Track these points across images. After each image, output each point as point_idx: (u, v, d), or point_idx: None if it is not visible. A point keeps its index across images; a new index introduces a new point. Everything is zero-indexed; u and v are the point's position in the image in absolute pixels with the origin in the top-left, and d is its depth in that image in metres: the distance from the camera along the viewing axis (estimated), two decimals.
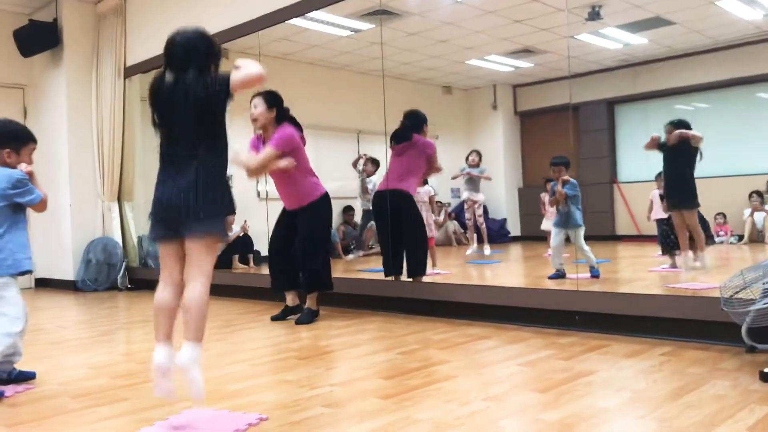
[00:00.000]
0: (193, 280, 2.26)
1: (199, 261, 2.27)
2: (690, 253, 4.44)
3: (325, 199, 4.37)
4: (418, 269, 4.78)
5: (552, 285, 4.89)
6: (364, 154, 7.16)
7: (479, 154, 6.90)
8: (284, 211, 4.44)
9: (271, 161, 4.04)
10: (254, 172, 4.12)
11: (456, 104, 10.01)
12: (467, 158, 6.92)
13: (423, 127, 4.94)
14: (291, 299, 4.55)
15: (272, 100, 4.23)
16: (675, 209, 4.47)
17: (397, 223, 4.88)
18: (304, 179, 4.30)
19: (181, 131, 2.32)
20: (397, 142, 4.93)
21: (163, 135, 2.39)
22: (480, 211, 6.88)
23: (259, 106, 4.19)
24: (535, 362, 3.01)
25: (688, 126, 4.39)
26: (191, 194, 2.24)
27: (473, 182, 6.91)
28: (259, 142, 4.33)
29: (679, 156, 4.34)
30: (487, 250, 6.90)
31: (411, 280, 4.79)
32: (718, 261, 5.59)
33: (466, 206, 7.02)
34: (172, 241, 2.34)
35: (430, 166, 4.99)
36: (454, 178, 7.48)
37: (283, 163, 4.05)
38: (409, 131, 4.90)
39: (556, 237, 5.25)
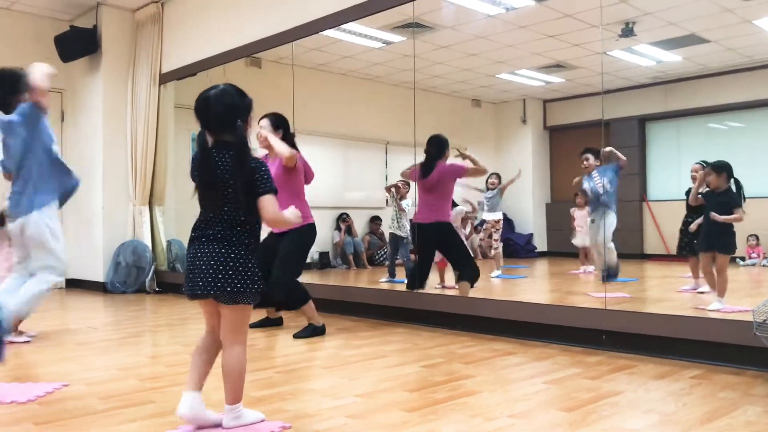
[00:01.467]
0: (230, 345, 2.26)
1: (234, 325, 2.27)
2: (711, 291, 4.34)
3: (310, 229, 4.32)
4: (476, 272, 4.86)
5: (581, 301, 4.84)
6: (396, 185, 7.12)
7: (499, 177, 6.87)
8: (270, 234, 4.40)
9: (283, 151, 4.09)
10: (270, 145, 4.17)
11: (485, 117, 9.99)
12: (487, 181, 6.89)
13: (445, 152, 4.99)
14: (271, 312, 4.65)
15: (278, 122, 4.29)
16: (709, 251, 4.36)
17: (442, 250, 5.11)
18: (297, 203, 4.26)
19: None
20: (425, 175, 4.96)
21: None
22: (497, 236, 6.83)
23: (265, 128, 4.23)
24: (561, 380, 2.98)
25: (728, 167, 4.28)
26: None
27: (492, 200, 6.88)
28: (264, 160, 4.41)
29: (722, 197, 4.26)
30: (497, 272, 6.85)
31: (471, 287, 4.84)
32: (751, 284, 5.49)
33: (484, 226, 6.98)
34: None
35: (475, 173, 5.02)
36: (474, 224, 7.55)
37: (282, 152, 4.10)
38: (434, 160, 4.93)
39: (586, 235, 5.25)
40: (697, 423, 2.33)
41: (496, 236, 6.79)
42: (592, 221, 5.54)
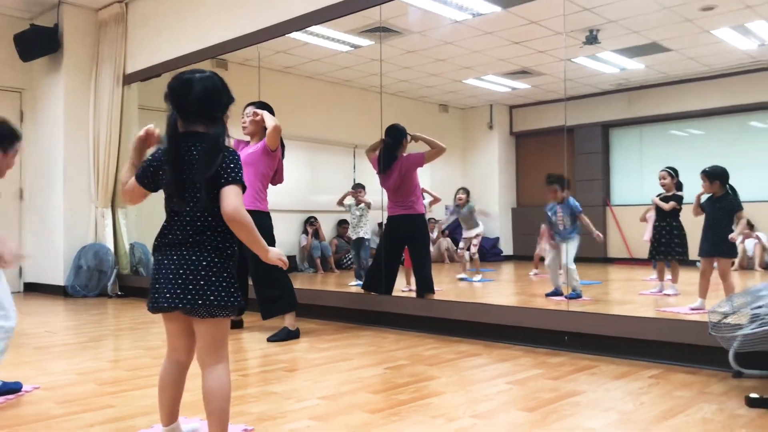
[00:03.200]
0: (211, 365, 1.95)
1: (212, 342, 1.97)
2: (703, 301, 4.40)
3: (265, 218, 4.24)
4: (430, 287, 4.89)
5: (544, 304, 4.90)
6: (352, 190, 7.15)
7: (467, 192, 6.89)
8: None
9: (270, 122, 4.14)
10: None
11: (452, 123, 10.06)
12: (455, 196, 6.91)
13: (403, 142, 5.01)
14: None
15: (263, 109, 4.34)
16: (709, 256, 4.41)
17: (409, 244, 5.06)
18: (255, 185, 4.23)
19: None
20: (385, 169, 4.97)
21: None
22: (476, 241, 6.89)
23: (251, 115, 4.31)
24: (523, 381, 3.01)
25: (722, 174, 4.34)
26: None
27: (466, 219, 6.91)
28: (240, 144, 4.43)
29: (721, 202, 4.33)
30: (478, 276, 6.91)
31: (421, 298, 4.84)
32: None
33: (463, 243, 7.03)
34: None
35: (434, 155, 4.98)
36: (442, 227, 7.51)
37: (270, 122, 4.13)
38: (393, 151, 4.95)
39: (549, 255, 5.30)
40: (654, 421, 2.38)
41: (475, 242, 6.85)
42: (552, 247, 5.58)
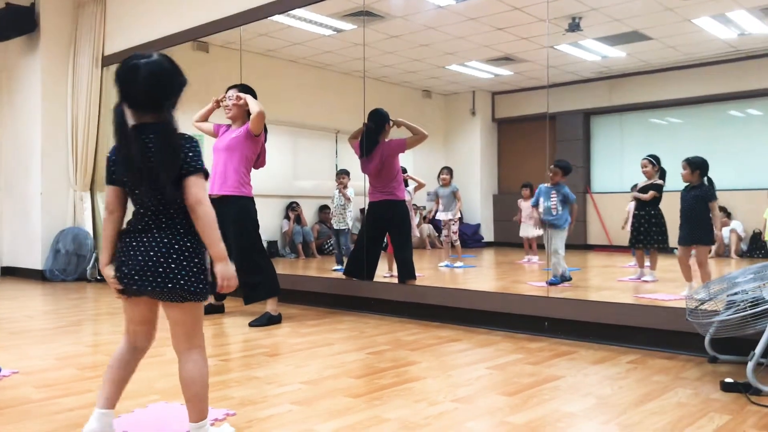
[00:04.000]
0: (186, 351, 1.91)
1: (186, 328, 1.91)
2: (694, 284, 4.46)
3: (249, 203, 4.26)
4: (412, 273, 4.88)
5: (525, 290, 4.95)
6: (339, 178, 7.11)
7: (450, 172, 6.86)
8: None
9: (254, 107, 4.14)
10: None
11: (435, 108, 10.06)
12: (438, 176, 6.91)
13: (386, 126, 4.99)
14: (211, 297, 4.55)
15: (246, 92, 4.31)
16: (686, 244, 4.47)
17: (390, 230, 5.03)
18: (240, 170, 4.22)
19: None
20: (367, 153, 4.95)
21: None
22: (455, 228, 6.89)
23: (233, 98, 4.29)
24: (503, 366, 3.04)
25: (703, 165, 4.40)
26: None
27: (446, 199, 6.90)
28: (221, 128, 4.42)
29: (696, 191, 4.38)
30: (459, 263, 6.93)
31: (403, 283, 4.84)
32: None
33: (442, 224, 7.02)
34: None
35: (415, 142, 4.98)
36: (429, 213, 7.50)
37: (254, 107, 4.13)
38: (375, 135, 4.94)
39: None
40: (631, 405, 2.42)
41: (454, 228, 6.85)
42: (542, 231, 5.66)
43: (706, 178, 4.40)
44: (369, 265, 4.97)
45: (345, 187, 7.02)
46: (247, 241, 4.22)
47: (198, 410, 1.91)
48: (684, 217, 4.45)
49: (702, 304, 2.96)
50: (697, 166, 4.39)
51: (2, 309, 4.94)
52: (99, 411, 1.93)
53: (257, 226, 4.29)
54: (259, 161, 4.38)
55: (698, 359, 3.13)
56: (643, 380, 2.78)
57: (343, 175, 7.05)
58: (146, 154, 1.82)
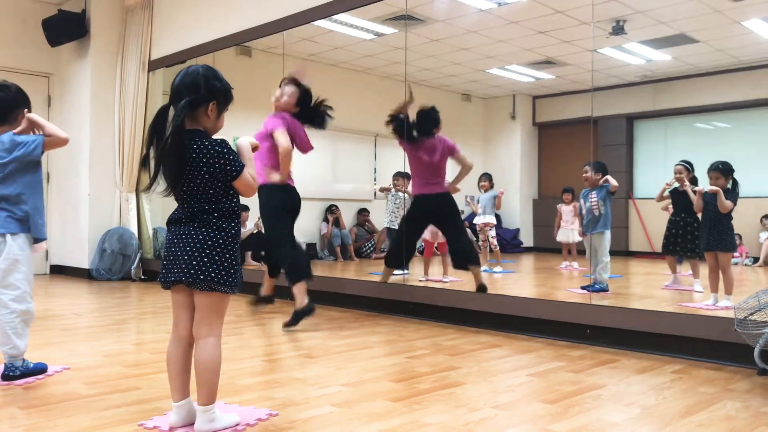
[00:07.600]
0: (204, 337, 2.10)
1: (208, 315, 2.11)
2: (717, 295, 4.38)
3: (260, 191, 4.15)
4: (475, 259, 4.90)
5: (566, 296, 4.88)
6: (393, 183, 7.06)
7: (489, 178, 6.81)
8: None
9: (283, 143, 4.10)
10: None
11: (474, 112, 10.01)
12: (479, 183, 6.86)
13: (439, 125, 4.99)
14: (270, 284, 4.59)
15: (304, 96, 4.41)
16: (710, 251, 4.41)
17: (443, 222, 5.02)
18: (271, 161, 4.19)
19: None
20: (427, 134, 4.89)
21: None
22: (492, 233, 6.84)
23: (291, 96, 4.34)
24: (544, 373, 3.01)
25: (732, 170, 4.33)
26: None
27: (485, 203, 6.86)
28: (284, 121, 4.31)
29: (717, 197, 4.30)
30: (498, 268, 6.88)
31: (467, 270, 4.87)
32: (734, 282, 5.57)
33: (478, 228, 6.98)
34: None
35: (462, 171, 5.02)
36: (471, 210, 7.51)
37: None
38: (431, 126, 4.94)
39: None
40: (677, 416, 2.37)
41: (491, 233, 6.80)
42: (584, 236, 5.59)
43: (732, 181, 4.35)
44: (407, 253, 5.02)
45: (403, 189, 6.96)
46: (266, 220, 4.31)
47: (207, 394, 2.09)
48: (706, 223, 4.40)
49: (752, 314, 2.88)
50: (729, 171, 4.32)
51: (53, 306, 5.10)
52: (175, 405, 2.14)
53: (285, 212, 4.27)
54: (303, 146, 4.33)
55: (747, 371, 3.05)
56: (688, 391, 2.72)
57: (399, 177, 6.97)
58: (191, 156, 2.08)
